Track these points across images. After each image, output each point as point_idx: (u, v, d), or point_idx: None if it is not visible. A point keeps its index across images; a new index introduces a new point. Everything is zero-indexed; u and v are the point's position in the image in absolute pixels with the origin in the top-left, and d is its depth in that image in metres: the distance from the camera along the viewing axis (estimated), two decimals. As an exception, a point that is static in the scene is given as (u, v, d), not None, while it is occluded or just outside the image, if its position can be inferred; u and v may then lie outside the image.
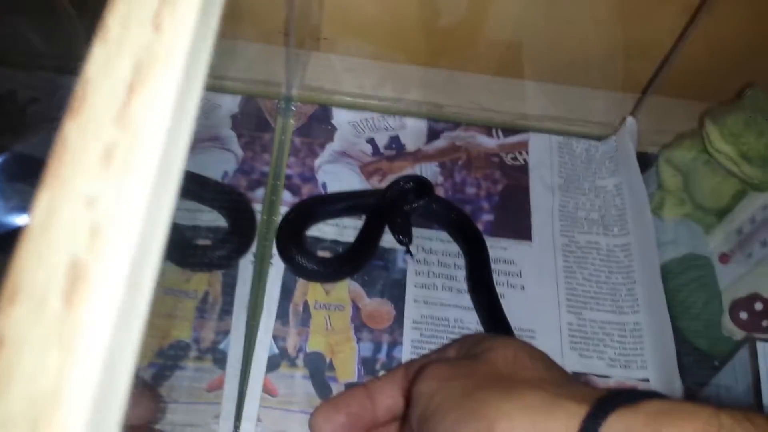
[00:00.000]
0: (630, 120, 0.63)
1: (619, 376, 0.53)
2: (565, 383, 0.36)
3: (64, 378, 0.13)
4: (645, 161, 0.63)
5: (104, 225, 0.14)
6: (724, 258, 0.57)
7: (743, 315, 0.54)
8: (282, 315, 0.52)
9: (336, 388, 0.50)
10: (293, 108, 0.62)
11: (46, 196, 0.14)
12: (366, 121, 0.63)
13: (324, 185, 0.59)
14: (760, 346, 0.49)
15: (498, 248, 0.58)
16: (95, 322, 0.13)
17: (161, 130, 0.15)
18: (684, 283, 0.57)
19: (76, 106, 0.15)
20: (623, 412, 0.29)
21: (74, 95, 0.15)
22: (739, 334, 0.54)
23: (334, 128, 0.62)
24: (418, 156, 0.62)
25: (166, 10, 0.16)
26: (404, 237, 0.54)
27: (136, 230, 0.14)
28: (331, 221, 0.57)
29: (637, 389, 0.32)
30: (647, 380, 0.53)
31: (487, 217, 0.60)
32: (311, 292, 0.53)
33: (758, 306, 0.53)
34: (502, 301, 0.54)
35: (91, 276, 0.13)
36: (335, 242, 0.56)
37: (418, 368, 0.40)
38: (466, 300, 0.55)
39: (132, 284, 0.14)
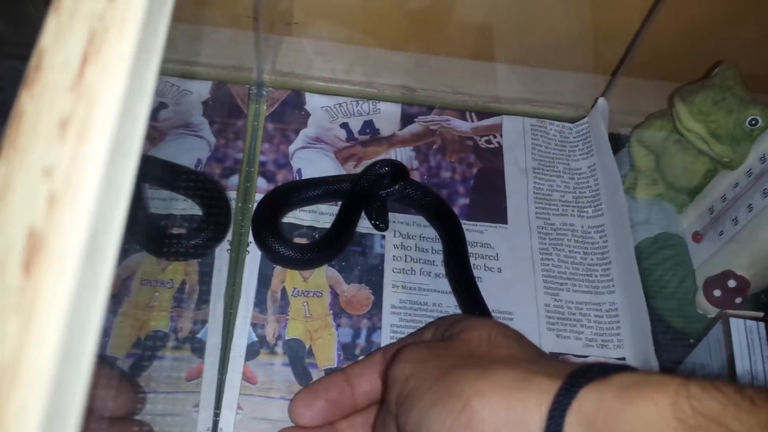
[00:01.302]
0: (601, 101, 0.63)
1: (596, 356, 0.54)
2: (538, 360, 0.36)
3: (25, 346, 0.12)
4: (617, 142, 0.64)
5: (62, 194, 0.14)
6: (697, 236, 0.58)
7: (717, 292, 0.54)
8: (260, 302, 0.52)
9: (316, 375, 0.50)
10: (265, 93, 0.62)
11: (2, 167, 0.14)
12: (339, 106, 0.63)
13: (299, 171, 0.58)
14: (733, 322, 0.49)
15: (474, 231, 0.58)
16: (55, 290, 0.13)
17: (117, 99, 0.14)
18: (658, 263, 0.57)
19: (31, 77, 0.15)
20: (595, 386, 0.29)
21: (29, 66, 0.15)
22: (713, 311, 0.55)
23: (307, 113, 0.62)
24: (392, 140, 0.62)
25: (120, -21, 0.16)
26: (380, 222, 0.54)
27: (93, 198, 0.14)
28: (307, 207, 0.57)
29: (609, 363, 0.32)
30: (624, 359, 0.54)
31: (463, 200, 0.60)
32: (289, 279, 0.53)
33: (731, 283, 0.53)
34: (480, 284, 0.55)
35: (50, 244, 0.13)
36: (312, 228, 0.56)
37: (395, 351, 0.40)
38: (444, 284, 0.55)
39: (92, 252, 0.13)
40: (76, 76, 0.15)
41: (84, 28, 0.15)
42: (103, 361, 0.47)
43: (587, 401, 0.29)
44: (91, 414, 0.39)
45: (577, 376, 0.30)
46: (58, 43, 0.15)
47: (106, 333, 0.48)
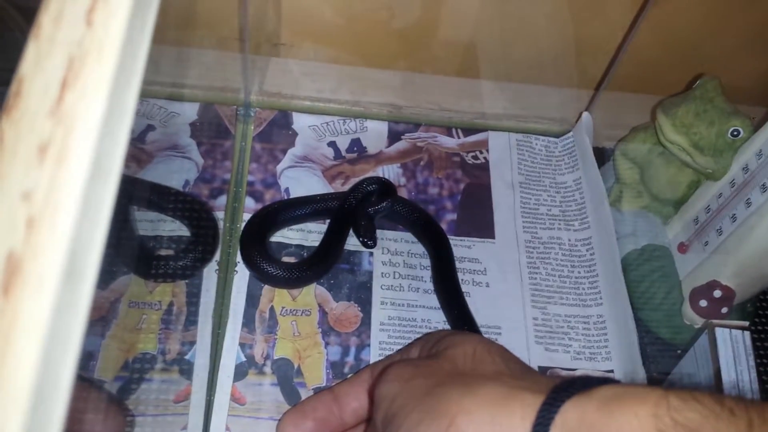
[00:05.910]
0: (585, 115, 0.64)
1: (584, 369, 0.54)
2: (523, 375, 0.36)
3: (3, 368, 0.13)
4: (601, 156, 0.65)
5: (40, 217, 0.14)
6: (682, 247, 0.58)
7: (703, 303, 0.55)
8: (248, 322, 0.52)
9: (304, 394, 0.49)
10: (252, 114, 0.62)
11: (-19, 192, 0.14)
12: (326, 125, 0.63)
13: (287, 190, 0.59)
14: (719, 332, 0.50)
15: (462, 247, 0.58)
16: (33, 312, 0.13)
17: (96, 123, 0.15)
18: (644, 274, 0.58)
19: (11, 102, 0.15)
20: (577, 400, 0.29)
21: (9, 92, 0.15)
22: (699, 321, 0.55)
23: (294, 133, 0.62)
24: (380, 158, 0.62)
25: (99, 5, 0.16)
26: (369, 239, 0.55)
27: (72, 221, 0.14)
28: (295, 226, 0.57)
29: (592, 376, 0.32)
30: (612, 371, 0.54)
31: (451, 216, 0.60)
32: (277, 298, 0.53)
33: (717, 293, 0.54)
34: (468, 299, 0.55)
35: (28, 267, 0.13)
36: (300, 247, 0.56)
37: (381, 370, 0.40)
38: (433, 300, 0.55)
39: (71, 274, 0.14)
40: (55, 102, 0.15)
41: (63, 55, 0.16)
42: (91, 384, 0.47)
43: (570, 415, 0.29)
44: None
45: (561, 390, 0.30)
46: (37, 70, 0.15)
47: (93, 356, 0.48)
